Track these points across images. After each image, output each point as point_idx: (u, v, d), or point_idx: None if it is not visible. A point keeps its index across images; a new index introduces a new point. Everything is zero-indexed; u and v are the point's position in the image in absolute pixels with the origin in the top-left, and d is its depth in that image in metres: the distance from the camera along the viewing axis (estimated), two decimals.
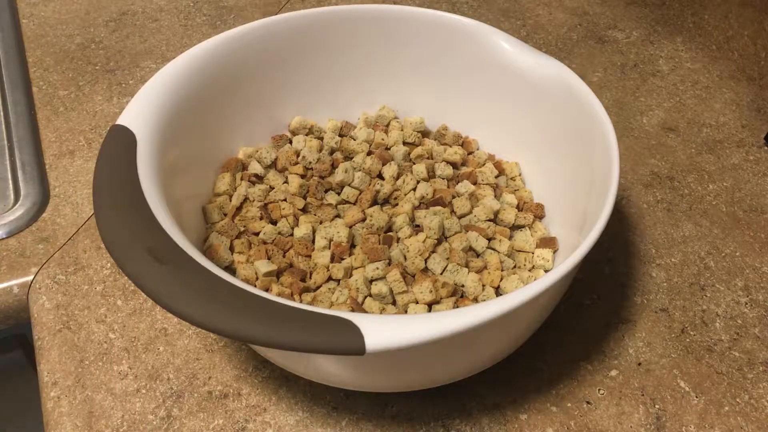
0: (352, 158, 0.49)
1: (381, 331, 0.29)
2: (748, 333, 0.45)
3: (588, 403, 0.41)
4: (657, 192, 0.54)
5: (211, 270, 0.31)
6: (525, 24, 0.70)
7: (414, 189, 0.47)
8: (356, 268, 0.42)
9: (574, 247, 0.34)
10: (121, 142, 0.36)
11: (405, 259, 0.42)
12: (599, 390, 0.42)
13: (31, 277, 0.46)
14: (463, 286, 0.42)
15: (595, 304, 0.46)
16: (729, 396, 0.42)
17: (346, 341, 0.29)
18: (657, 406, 0.41)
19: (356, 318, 0.29)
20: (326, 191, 0.47)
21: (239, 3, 0.71)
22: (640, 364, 0.43)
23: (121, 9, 0.70)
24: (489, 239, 0.44)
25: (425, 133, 0.52)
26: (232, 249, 0.43)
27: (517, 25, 0.70)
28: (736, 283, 0.48)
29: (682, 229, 0.51)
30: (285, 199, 0.46)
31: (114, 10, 0.70)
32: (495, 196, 0.47)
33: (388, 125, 0.51)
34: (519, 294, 0.31)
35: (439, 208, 0.45)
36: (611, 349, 0.44)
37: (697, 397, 0.42)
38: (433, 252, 0.43)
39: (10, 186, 0.53)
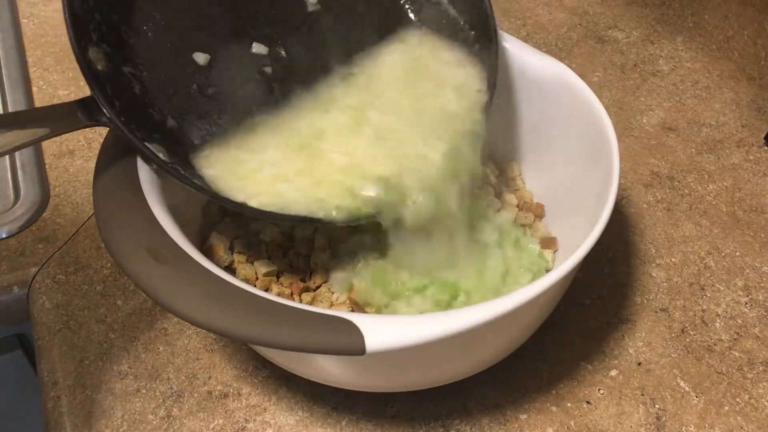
0: None
1: (381, 332, 0.29)
2: (748, 333, 0.45)
3: (588, 402, 0.41)
4: (657, 192, 0.54)
5: (211, 270, 0.31)
6: (525, 24, 0.70)
7: None
8: None
9: (575, 247, 0.34)
10: (122, 142, 0.36)
11: None
12: (599, 390, 0.42)
13: (31, 277, 0.46)
14: None
15: (595, 304, 0.46)
16: (729, 396, 0.42)
17: (346, 341, 0.29)
18: (657, 406, 0.41)
19: (356, 318, 0.29)
20: None
21: None
22: (640, 363, 0.43)
23: None
24: None
25: None
26: (232, 249, 0.43)
27: (517, 25, 0.70)
28: (736, 283, 0.48)
29: (682, 228, 0.51)
30: None
31: None
32: (495, 196, 0.47)
33: None
34: (519, 294, 0.31)
35: None
36: (611, 349, 0.44)
37: (697, 396, 0.42)
38: None
39: (10, 186, 0.53)
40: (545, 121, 0.46)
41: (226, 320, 0.29)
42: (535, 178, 0.49)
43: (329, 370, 0.36)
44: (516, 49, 0.46)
